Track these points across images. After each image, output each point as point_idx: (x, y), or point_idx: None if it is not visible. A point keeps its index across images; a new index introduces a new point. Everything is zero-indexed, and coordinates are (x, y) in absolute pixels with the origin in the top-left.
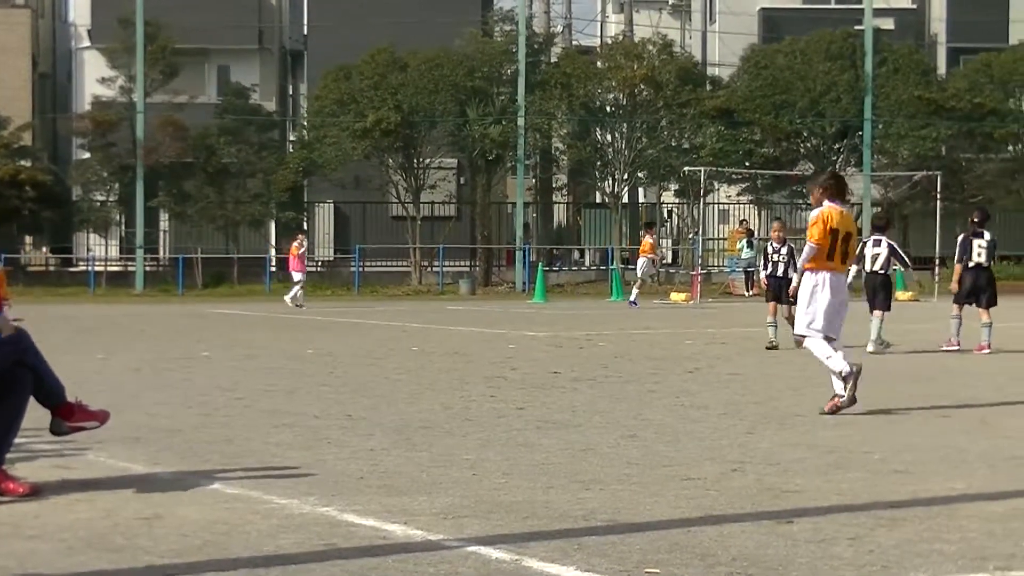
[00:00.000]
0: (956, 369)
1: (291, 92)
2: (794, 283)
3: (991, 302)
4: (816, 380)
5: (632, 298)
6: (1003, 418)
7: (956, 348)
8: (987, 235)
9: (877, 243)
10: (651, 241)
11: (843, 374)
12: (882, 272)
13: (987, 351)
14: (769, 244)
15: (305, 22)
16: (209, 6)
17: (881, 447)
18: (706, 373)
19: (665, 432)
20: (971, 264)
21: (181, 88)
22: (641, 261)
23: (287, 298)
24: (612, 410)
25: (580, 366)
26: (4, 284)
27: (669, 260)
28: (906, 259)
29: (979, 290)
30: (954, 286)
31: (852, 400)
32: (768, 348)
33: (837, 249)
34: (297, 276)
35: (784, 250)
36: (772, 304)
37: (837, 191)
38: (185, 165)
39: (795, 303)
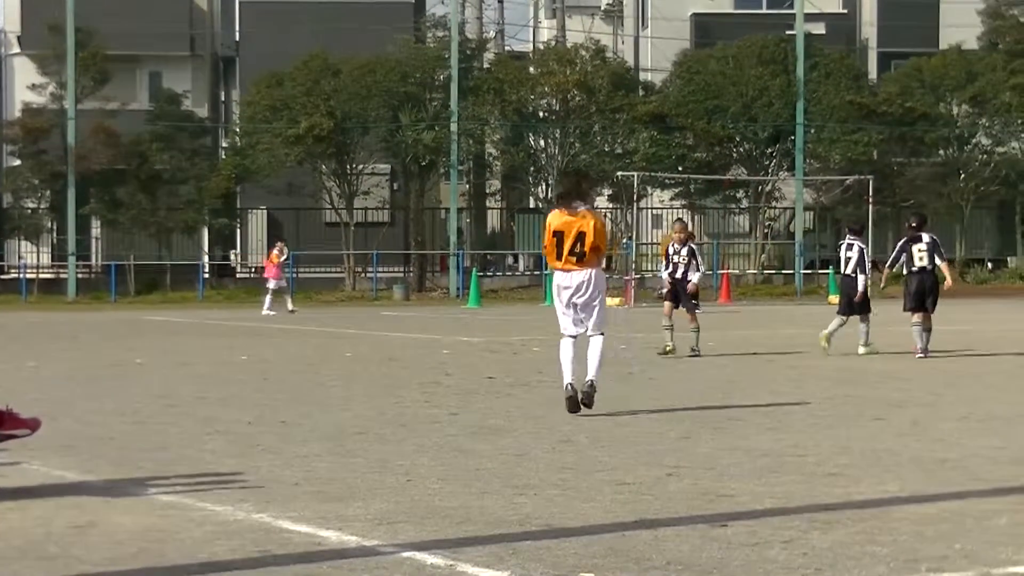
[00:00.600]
0: (889, 372)
1: (223, 98)
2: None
3: (934, 306)
4: (745, 384)
5: None
6: (935, 421)
7: (922, 355)
8: (925, 238)
9: (850, 247)
10: None
11: (566, 386)
12: (852, 275)
13: (923, 355)
14: (671, 245)
15: (237, 28)
16: (140, 13)
17: (815, 450)
18: (640, 378)
19: (600, 437)
20: (915, 269)
21: (112, 95)
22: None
23: (264, 310)
24: (547, 415)
25: (515, 371)
26: None
27: (603, 265)
28: (867, 266)
29: (924, 294)
30: (882, 283)
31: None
32: (664, 354)
33: (565, 248)
34: (272, 284)
35: (684, 251)
36: (668, 305)
37: (562, 196)
38: (117, 172)
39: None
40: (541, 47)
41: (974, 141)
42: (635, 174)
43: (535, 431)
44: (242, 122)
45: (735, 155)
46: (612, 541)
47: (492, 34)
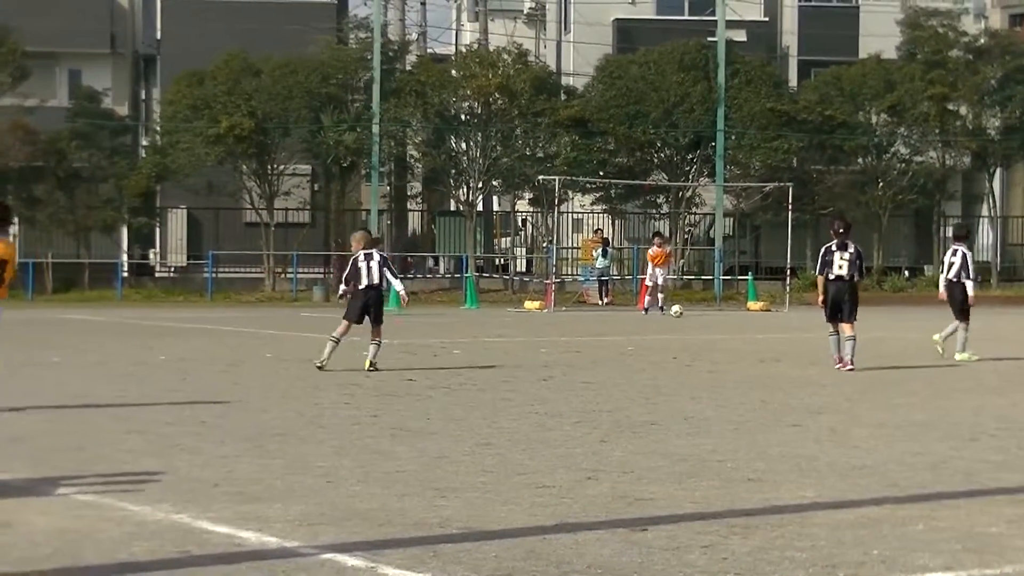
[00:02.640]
0: (806, 379)
1: (144, 97)
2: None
3: (852, 315)
4: (667, 390)
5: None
6: (852, 427)
7: (842, 366)
8: (851, 247)
9: (954, 252)
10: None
11: None
12: (956, 280)
13: (851, 367)
14: (361, 253)
15: (158, 26)
16: (60, 10)
17: (734, 456)
18: (560, 381)
19: (519, 440)
20: (832, 277)
21: (31, 92)
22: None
23: None
24: (467, 418)
25: (435, 374)
26: None
27: (524, 269)
28: (971, 271)
29: (840, 303)
30: (819, 300)
31: None
32: (321, 368)
33: (7, 277)
34: None
35: (377, 259)
36: (347, 325)
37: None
38: (35, 169)
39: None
40: (463, 50)
41: (892, 150)
42: (556, 178)
43: (455, 433)
44: (162, 121)
45: (656, 160)
46: (533, 544)
47: (414, 36)
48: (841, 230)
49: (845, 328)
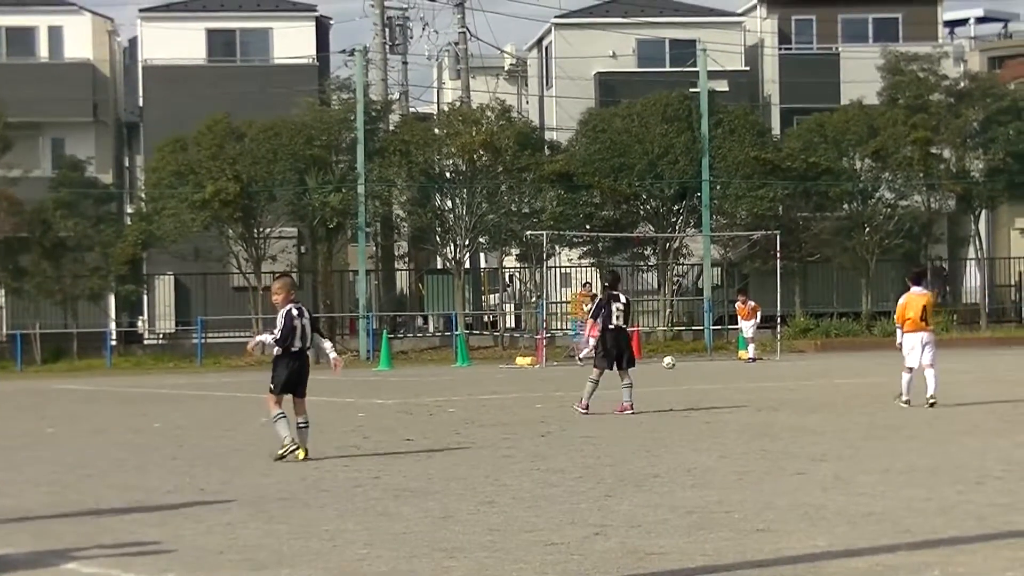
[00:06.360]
0: (802, 426)
1: (128, 164)
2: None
3: (630, 363)
4: (667, 441)
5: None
6: (856, 474)
7: (584, 411)
8: (623, 298)
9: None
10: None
11: None
12: None
13: (630, 411)
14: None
15: (140, 93)
16: (42, 79)
17: (741, 506)
18: (558, 436)
19: (523, 497)
20: (611, 327)
21: (15, 162)
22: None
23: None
24: (468, 476)
25: (432, 433)
26: None
27: (513, 325)
28: None
29: (621, 352)
30: (588, 338)
31: None
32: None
33: None
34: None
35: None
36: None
37: None
38: (20, 240)
39: None
40: (446, 108)
41: (877, 195)
42: (543, 233)
43: (459, 492)
44: (147, 187)
45: (642, 212)
46: None
47: (397, 95)
48: (607, 284)
49: (623, 376)
